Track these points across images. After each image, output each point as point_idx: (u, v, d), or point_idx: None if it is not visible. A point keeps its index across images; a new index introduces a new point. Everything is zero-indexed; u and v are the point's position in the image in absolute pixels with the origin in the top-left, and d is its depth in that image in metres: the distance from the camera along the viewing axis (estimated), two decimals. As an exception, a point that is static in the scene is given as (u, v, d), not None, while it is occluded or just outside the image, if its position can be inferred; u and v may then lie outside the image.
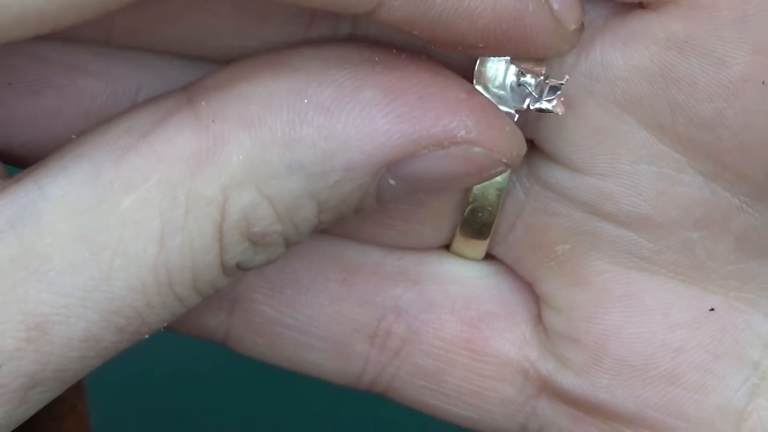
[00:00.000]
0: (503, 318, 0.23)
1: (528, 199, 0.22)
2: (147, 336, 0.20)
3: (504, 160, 0.20)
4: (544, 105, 0.21)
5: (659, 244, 0.22)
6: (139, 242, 0.19)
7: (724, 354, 0.22)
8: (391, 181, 0.20)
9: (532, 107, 0.21)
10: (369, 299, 0.23)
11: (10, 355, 0.19)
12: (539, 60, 0.21)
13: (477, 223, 0.22)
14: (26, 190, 0.19)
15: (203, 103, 0.19)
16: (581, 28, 0.20)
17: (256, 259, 0.20)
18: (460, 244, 0.23)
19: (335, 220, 0.20)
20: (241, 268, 0.20)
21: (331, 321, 0.23)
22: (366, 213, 0.20)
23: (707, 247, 0.22)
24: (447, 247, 0.23)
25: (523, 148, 0.20)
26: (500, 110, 0.20)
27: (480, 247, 0.23)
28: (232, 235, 0.19)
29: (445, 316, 0.23)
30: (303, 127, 0.19)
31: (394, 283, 0.23)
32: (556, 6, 0.19)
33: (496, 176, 0.21)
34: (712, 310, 0.22)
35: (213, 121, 0.19)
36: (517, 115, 0.21)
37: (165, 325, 0.20)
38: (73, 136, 0.20)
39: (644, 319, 0.22)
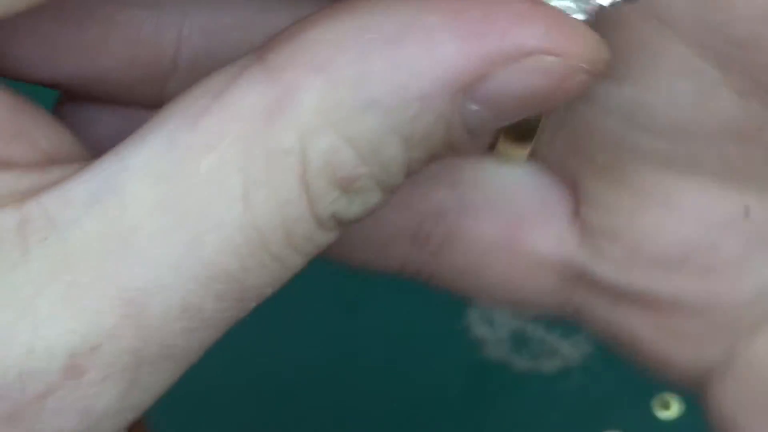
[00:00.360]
0: (542, 216, 0.23)
1: (568, 111, 0.22)
2: (255, 303, 0.19)
3: (584, 66, 0.18)
4: None
5: (696, 155, 0.22)
6: (223, 202, 0.18)
7: (760, 247, 0.23)
8: (474, 108, 0.19)
9: (606, 3, 0.19)
10: (409, 204, 0.23)
11: (109, 332, 0.18)
12: None
13: (522, 127, 0.22)
14: (108, 164, 0.19)
15: (272, 56, 0.19)
16: None
17: (352, 209, 0.19)
18: (503, 147, 0.22)
19: (429, 159, 0.19)
20: (341, 220, 0.19)
21: (372, 226, 0.22)
22: (461, 148, 0.19)
23: (743, 157, 0.22)
24: (489, 150, 0.23)
25: (604, 52, 0.19)
26: (570, 16, 0.19)
27: (522, 151, 0.23)
28: (319, 184, 0.19)
29: (485, 218, 0.23)
30: (372, 61, 0.18)
31: (434, 188, 0.23)
32: None
33: (583, 87, 0.19)
34: (748, 209, 0.23)
35: (283, 71, 0.18)
36: (594, 15, 0.19)
37: (271, 290, 0.19)
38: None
39: (682, 218, 0.23)
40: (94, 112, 0.21)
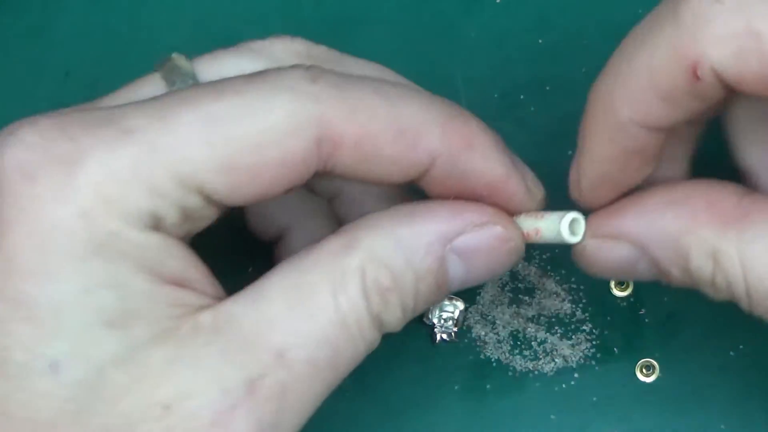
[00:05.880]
0: None
1: None
2: (344, 372, 0.32)
3: (515, 238, 0.33)
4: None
5: None
6: (320, 297, 0.31)
7: None
8: (453, 257, 0.32)
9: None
10: None
11: (268, 369, 0.30)
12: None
13: None
14: (256, 285, 0.32)
15: (347, 228, 0.32)
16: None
17: (386, 317, 0.32)
18: None
19: (428, 300, 0.33)
20: (381, 323, 0.32)
21: None
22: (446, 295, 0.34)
23: None
24: None
25: (523, 242, 0.34)
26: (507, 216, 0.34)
27: None
28: (371, 290, 0.31)
29: None
30: (399, 226, 0.32)
31: None
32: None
33: (514, 253, 0.33)
34: None
35: (352, 230, 0.32)
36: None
37: (352, 362, 0.32)
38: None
39: None
40: None
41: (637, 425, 0.40)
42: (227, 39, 0.46)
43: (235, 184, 0.31)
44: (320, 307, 0.30)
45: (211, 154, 0.30)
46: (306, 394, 0.31)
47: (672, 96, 0.29)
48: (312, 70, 0.31)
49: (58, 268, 0.29)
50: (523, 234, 0.33)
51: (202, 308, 0.31)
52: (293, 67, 0.32)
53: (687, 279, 0.32)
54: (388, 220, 0.32)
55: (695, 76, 0.29)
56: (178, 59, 0.34)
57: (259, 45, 0.35)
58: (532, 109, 0.44)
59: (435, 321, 0.40)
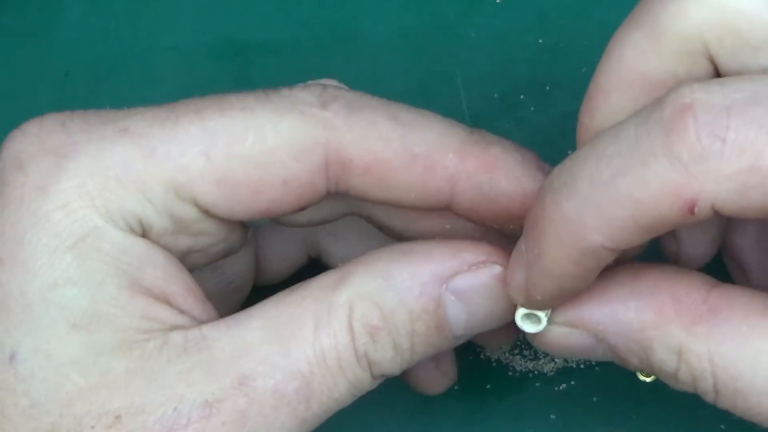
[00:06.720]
0: None
1: None
2: (317, 408, 0.30)
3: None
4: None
5: None
6: (301, 332, 0.30)
7: None
8: (451, 298, 0.31)
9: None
10: None
11: (229, 393, 0.30)
12: None
13: None
14: (244, 313, 0.31)
15: (342, 265, 0.31)
16: None
17: (376, 356, 0.30)
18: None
19: (425, 346, 0.31)
20: (371, 361, 0.30)
21: None
22: (447, 343, 0.32)
23: None
24: None
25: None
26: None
27: None
28: (357, 327, 0.30)
29: None
30: (393, 264, 0.31)
31: None
32: None
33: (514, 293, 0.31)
34: None
35: (346, 267, 0.31)
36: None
37: (328, 400, 0.30)
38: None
39: None
40: None
41: (637, 425, 0.40)
42: (227, 39, 0.46)
43: (234, 200, 0.31)
44: (298, 339, 0.30)
45: (208, 167, 0.30)
46: (271, 425, 0.30)
47: (657, 227, 0.27)
48: (324, 95, 0.31)
49: (32, 259, 0.29)
50: None
51: (175, 327, 0.30)
52: (307, 88, 0.31)
53: (647, 369, 0.31)
54: (383, 259, 0.31)
55: (690, 211, 0.27)
56: None
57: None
58: (532, 109, 0.44)
59: None
